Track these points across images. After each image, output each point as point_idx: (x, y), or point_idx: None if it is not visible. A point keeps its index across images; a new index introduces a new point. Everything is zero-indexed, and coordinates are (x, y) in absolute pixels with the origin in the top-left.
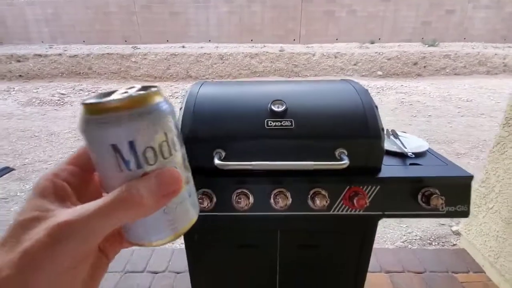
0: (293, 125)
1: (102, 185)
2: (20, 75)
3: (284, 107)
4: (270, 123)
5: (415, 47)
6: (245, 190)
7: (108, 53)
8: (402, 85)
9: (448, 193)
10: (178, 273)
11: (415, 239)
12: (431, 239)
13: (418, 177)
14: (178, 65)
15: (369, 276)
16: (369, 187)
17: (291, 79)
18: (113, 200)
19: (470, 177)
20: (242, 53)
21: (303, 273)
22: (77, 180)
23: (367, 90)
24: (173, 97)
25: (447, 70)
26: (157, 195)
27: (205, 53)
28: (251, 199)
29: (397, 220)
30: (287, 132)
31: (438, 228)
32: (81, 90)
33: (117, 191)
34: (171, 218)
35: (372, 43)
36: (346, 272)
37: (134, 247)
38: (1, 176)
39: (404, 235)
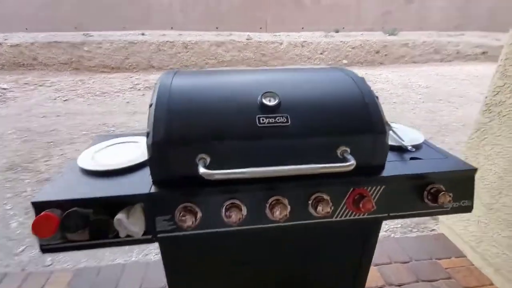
0: (289, 122)
1: None
2: None
3: (277, 100)
4: (263, 120)
5: (377, 36)
6: (236, 202)
7: (56, 42)
8: (366, 73)
9: (453, 188)
10: None
11: (397, 227)
12: (411, 226)
13: (423, 174)
14: (138, 54)
15: None
16: (374, 187)
17: (261, 68)
18: None
19: (474, 170)
20: (208, 41)
21: (301, 276)
22: None
23: (363, 79)
24: (135, 89)
25: (406, 58)
26: None
27: (167, 41)
28: (244, 212)
29: None
30: (283, 130)
31: None
32: (26, 84)
33: None
34: None
35: (337, 32)
36: (346, 274)
37: (100, 264)
38: None
39: (386, 224)
